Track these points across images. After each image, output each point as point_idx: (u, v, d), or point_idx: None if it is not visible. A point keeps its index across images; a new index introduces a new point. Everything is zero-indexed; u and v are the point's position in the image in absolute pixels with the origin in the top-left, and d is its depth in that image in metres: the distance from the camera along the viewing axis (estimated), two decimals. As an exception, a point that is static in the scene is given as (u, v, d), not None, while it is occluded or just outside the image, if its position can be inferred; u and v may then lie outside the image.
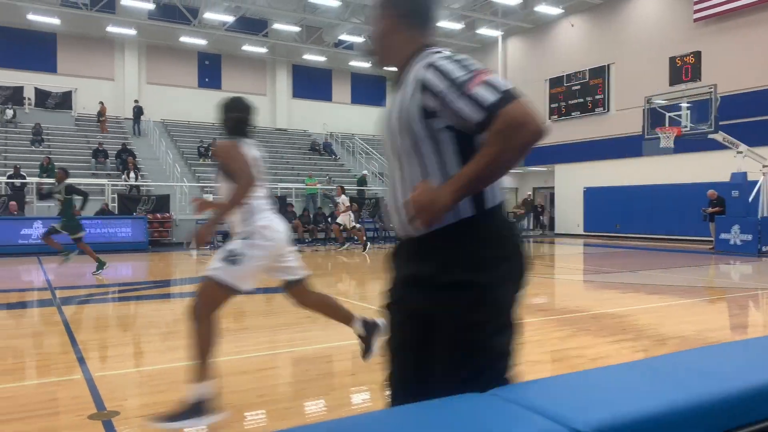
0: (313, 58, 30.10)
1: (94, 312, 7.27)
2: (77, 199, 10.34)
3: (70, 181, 10.76)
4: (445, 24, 25.65)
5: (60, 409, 3.52)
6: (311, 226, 20.08)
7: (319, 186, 22.36)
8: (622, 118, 22.29)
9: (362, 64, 31.44)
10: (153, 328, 6.12)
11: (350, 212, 16.12)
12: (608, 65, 23.11)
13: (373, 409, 3.34)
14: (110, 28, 25.89)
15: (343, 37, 27.60)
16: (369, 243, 16.23)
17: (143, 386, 3.98)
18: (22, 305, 7.98)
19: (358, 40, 28.15)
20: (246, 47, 28.42)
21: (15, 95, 24.43)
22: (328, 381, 4.24)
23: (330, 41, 28.24)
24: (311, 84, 31.70)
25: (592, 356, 4.72)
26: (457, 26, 26.34)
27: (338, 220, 16.27)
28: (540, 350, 4.98)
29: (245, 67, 29.99)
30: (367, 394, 3.83)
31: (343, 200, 16.15)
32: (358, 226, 16.47)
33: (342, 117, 31.81)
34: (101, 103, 25.12)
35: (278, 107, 30.61)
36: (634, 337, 5.42)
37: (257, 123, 25.30)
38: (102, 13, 24.50)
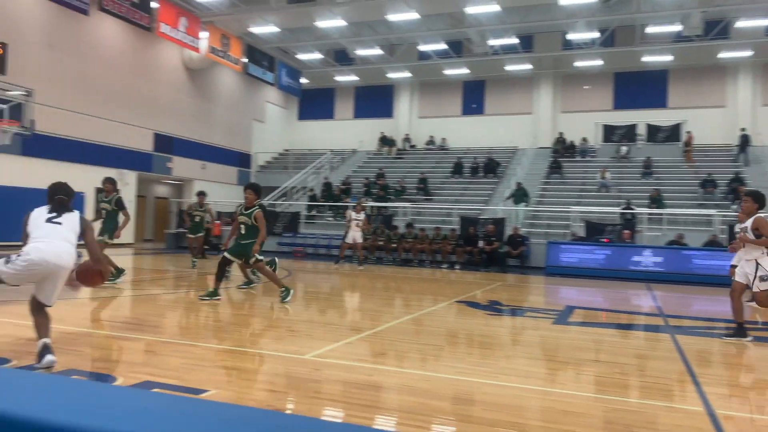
0: None
1: (708, 345, 7.03)
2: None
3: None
4: None
5: (683, 438, 3.52)
6: None
7: None
8: None
9: None
10: (777, 376, 5.43)
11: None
12: None
13: None
14: (722, 54, 25.10)
15: None
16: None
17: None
18: (633, 327, 8.49)
19: None
20: None
21: (628, 133, 26.69)
22: None
23: None
24: None
25: None
26: None
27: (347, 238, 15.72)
28: None
29: None
30: None
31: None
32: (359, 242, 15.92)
33: None
34: (688, 132, 24.61)
35: None
36: None
37: None
38: (715, 41, 24.01)
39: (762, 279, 6.44)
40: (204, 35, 23.95)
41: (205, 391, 3.97)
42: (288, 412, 3.73)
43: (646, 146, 25.69)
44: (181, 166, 25.63)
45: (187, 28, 22.89)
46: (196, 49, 23.84)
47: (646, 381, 4.98)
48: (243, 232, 8.52)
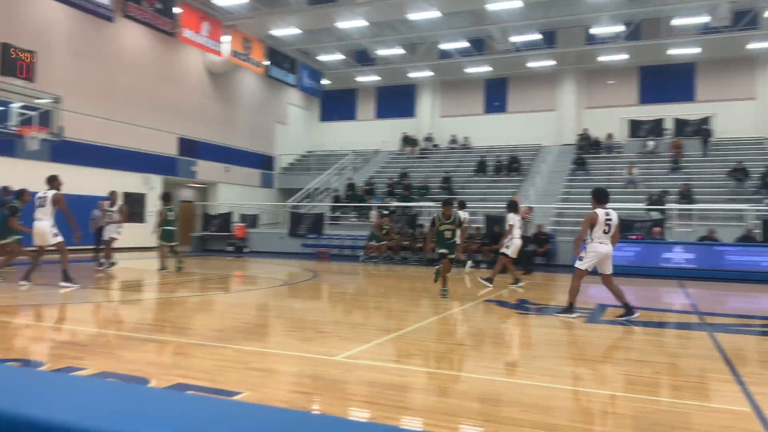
0: None
1: (749, 343, 6.82)
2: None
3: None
4: None
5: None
6: None
7: None
8: None
9: None
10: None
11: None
12: None
13: None
14: (752, 45, 24.53)
15: None
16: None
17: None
18: (669, 325, 8.29)
19: None
20: None
21: (655, 128, 26.22)
22: None
23: None
24: None
25: None
26: None
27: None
28: None
29: None
30: None
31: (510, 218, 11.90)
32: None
33: None
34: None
35: None
36: None
37: None
38: (744, 32, 23.47)
39: (579, 258, 7.95)
40: (226, 39, 24.13)
41: (237, 393, 3.94)
42: (318, 413, 3.68)
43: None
44: (205, 169, 25.87)
45: (210, 32, 23.09)
46: (219, 53, 24.03)
47: (687, 380, 4.83)
48: (449, 236, 9.81)
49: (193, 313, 8.01)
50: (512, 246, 11.77)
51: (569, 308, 7.97)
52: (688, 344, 6.62)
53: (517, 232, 11.88)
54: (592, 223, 7.76)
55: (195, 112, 25.25)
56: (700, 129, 24.91)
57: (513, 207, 12.13)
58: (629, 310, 7.77)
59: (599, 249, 7.79)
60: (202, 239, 24.18)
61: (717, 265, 15.36)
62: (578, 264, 7.93)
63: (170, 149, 24.09)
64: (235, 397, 3.85)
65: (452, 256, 9.85)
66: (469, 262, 17.09)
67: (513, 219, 11.84)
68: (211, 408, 1.66)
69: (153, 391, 3.13)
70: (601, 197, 7.94)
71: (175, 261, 13.44)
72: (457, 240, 10.39)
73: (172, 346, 5.61)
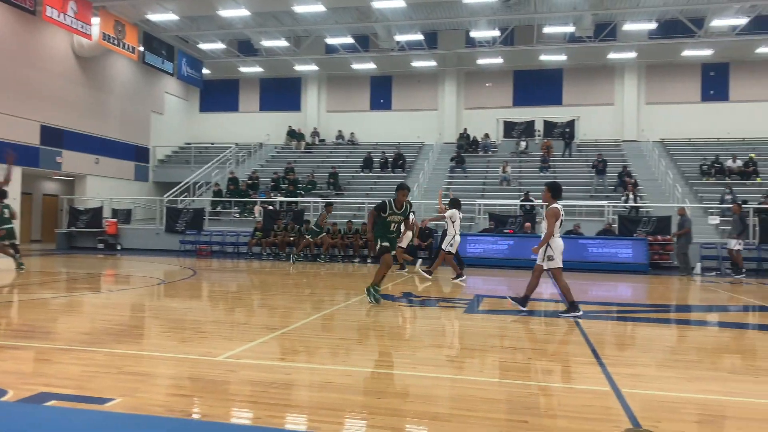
0: None
1: (608, 328, 7.48)
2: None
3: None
4: None
5: (595, 417, 3.67)
6: None
7: None
8: None
9: None
10: (671, 354, 5.85)
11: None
12: None
13: None
14: (611, 55, 26.83)
15: None
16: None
17: (676, 412, 3.78)
18: (539, 313, 8.89)
19: None
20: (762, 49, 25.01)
21: (527, 129, 27.96)
22: None
23: None
24: None
25: None
26: None
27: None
28: None
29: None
30: None
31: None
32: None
33: None
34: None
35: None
36: None
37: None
38: (604, 42, 25.61)
39: (549, 258, 7.81)
40: (96, 21, 22.45)
41: (110, 399, 3.68)
42: (199, 416, 3.54)
43: (542, 141, 27.02)
44: (72, 160, 23.93)
45: (77, 12, 21.35)
46: (88, 36, 22.30)
47: (555, 365, 5.20)
48: (394, 228, 8.53)
49: (57, 315, 7.38)
50: (455, 244, 12.10)
51: (572, 307, 7.80)
52: (557, 331, 7.13)
53: (458, 228, 12.05)
54: (557, 217, 7.68)
55: (61, 99, 23.26)
56: (564, 132, 26.91)
57: (456, 204, 12.17)
58: (524, 303, 8.17)
59: (560, 243, 7.83)
60: (69, 236, 22.40)
61: (581, 257, 16.69)
62: (552, 264, 7.82)
63: (31, 138, 22.02)
64: (107, 405, 3.59)
65: (393, 252, 8.55)
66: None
67: (455, 215, 11.93)
68: (79, 419, 1.53)
69: (10, 405, 2.85)
70: (557, 192, 7.82)
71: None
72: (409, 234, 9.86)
73: (33, 352, 5.13)
